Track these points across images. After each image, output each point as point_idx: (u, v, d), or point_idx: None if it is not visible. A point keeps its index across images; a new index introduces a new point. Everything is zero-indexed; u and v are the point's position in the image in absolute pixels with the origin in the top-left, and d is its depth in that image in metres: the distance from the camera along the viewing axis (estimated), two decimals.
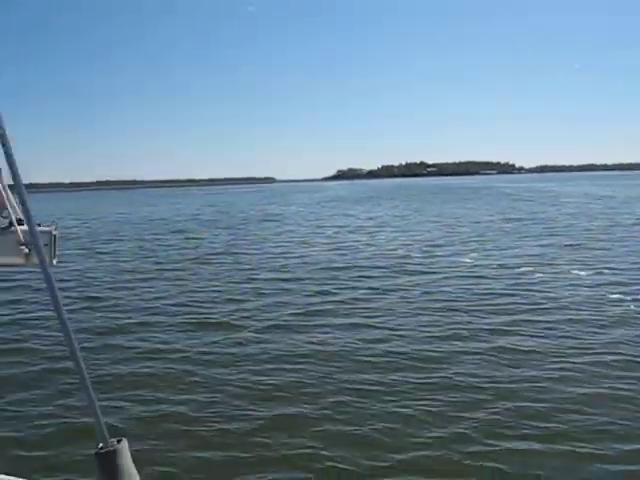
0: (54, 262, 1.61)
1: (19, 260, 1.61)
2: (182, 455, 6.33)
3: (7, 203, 1.59)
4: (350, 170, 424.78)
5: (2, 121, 1.44)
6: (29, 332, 11.57)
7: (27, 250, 1.57)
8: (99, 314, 13.06)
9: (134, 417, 7.34)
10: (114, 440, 1.52)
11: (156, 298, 14.61)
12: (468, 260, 19.05)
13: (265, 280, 16.57)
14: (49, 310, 12.92)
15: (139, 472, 1.54)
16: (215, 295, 14.65)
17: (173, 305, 13.71)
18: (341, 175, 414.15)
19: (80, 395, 6.65)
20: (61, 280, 16.93)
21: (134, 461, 1.53)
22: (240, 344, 10.30)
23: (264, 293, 14.67)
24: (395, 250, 22.49)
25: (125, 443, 1.54)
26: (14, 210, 1.59)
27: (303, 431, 6.77)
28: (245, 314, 12.46)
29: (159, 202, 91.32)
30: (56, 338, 10.60)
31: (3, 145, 1.42)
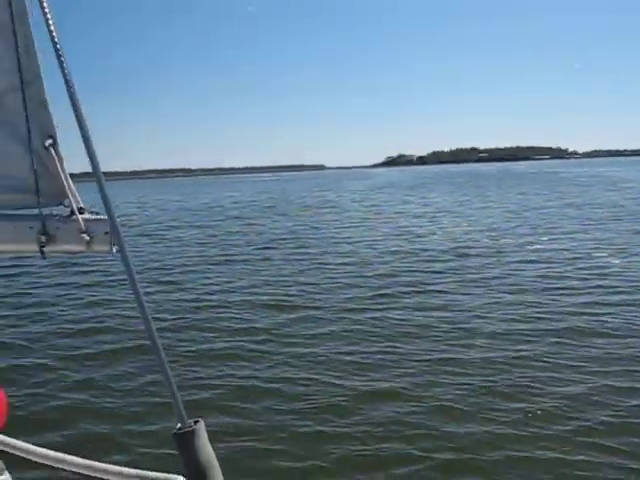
0: (114, 250, 1.64)
1: (80, 247, 1.66)
2: (276, 430, 6.49)
3: (69, 192, 1.63)
4: (400, 156, 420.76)
5: (79, 106, 1.46)
6: (109, 312, 12.04)
7: (88, 238, 1.62)
8: (175, 296, 13.49)
9: (221, 393, 7.56)
10: (191, 421, 1.59)
11: (228, 281, 14.99)
12: (536, 244, 18.77)
13: (334, 264, 16.80)
14: (121, 293, 13.45)
15: (216, 451, 1.61)
16: (286, 278, 14.94)
17: (246, 288, 14.05)
18: (390, 161, 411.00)
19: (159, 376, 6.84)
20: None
21: (213, 440, 1.61)
22: (319, 325, 10.51)
23: (334, 276, 14.87)
24: (460, 235, 22.34)
25: (202, 424, 1.61)
26: (75, 199, 1.64)
27: (399, 406, 6.94)
28: (319, 296, 12.69)
29: (213, 190, 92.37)
30: (134, 319, 10.92)
31: (81, 129, 1.46)
